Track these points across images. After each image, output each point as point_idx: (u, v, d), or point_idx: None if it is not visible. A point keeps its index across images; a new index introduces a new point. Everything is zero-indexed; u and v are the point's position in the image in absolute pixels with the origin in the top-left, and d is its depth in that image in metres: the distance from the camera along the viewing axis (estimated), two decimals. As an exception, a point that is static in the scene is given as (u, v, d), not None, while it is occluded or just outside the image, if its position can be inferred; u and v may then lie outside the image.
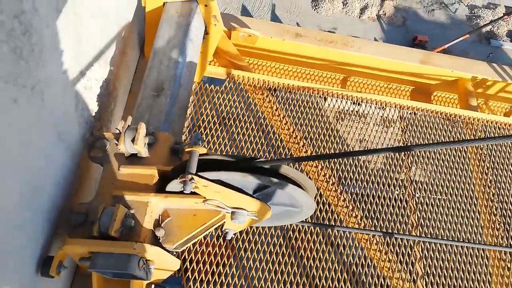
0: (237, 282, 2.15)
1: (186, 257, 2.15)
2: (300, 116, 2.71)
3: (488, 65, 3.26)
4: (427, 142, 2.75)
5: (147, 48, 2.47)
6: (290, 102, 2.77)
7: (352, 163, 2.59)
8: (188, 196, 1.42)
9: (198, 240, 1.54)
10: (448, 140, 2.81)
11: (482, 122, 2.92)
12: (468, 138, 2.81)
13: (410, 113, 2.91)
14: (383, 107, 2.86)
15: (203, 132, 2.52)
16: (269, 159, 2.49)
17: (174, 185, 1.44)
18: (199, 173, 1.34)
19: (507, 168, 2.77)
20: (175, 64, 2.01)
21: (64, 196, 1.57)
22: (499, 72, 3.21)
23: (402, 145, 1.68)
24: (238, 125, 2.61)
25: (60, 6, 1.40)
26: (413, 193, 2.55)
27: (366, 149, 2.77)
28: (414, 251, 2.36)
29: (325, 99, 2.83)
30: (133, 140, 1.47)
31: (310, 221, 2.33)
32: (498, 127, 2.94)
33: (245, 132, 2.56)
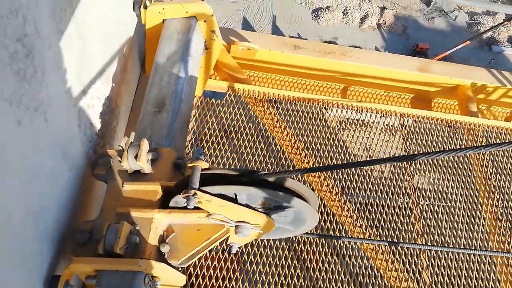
0: (243, 296, 2.14)
1: (192, 272, 2.15)
2: (301, 126, 2.73)
3: (487, 71, 3.28)
4: (428, 149, 2.75)
5: (147, 64, 2.50)
6: (291, 113, 2.78)
7: (354, 172, 2.59)
8: (191, 211, 1.42)
9: (203, 255, 1.54)
10: (449, 147, 2.81)
11: (483, 127, 2.93)
12: (470, 144, 2.81)
13: (411, 121, 2.92)
14: (384, 115, 2.87)
15: (205, 145, 2.53)
16: (271, 171, 2.49)
17: (177, 200, 1.45)
18: (201, 188, 1.34)
19: (510, 173, 2.76)
20: (175, 79, 2.03)
21: (69, 214, 1.58)
22: (499, 78, 3.23)
23: (404, 155, 1.70)
24: (240, 137, 2.62)
25: (62, 27, 1.43)
26: (417, 201, 2.54)
27: (368, 157, 2.77)
28: (421, 259, 2.34)
29: (326, 109, 2.85)
30: (136, 157, 1.48)
31: (315, 232, 2.33)
32: (500, 132, 2.94)
33: (247, 145, 2.57)
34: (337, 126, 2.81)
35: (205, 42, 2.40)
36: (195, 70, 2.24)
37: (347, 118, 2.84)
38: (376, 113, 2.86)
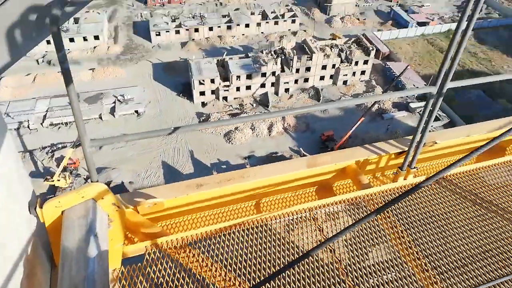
0: None
1: None
2: (227, 256, 2.82)
3: (364, 149, 3.84)
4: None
5: (55, 257, 2.49)
6: (213, 247, 2.88)
7: (289, 280, 2.67)
8: None
9: None
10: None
11: (379, 194, 3.32)
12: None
13: (320, 212, 3.20)
14: (296, 215, 3.12)
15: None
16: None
17: None
18: None
19: (415, 224, 3.09)
20: (85, 265, 2.07)
21: None
22: (374, 150, 3.79)
23: (317, 245, 1.88)
24: (173, 291, 2.60)
25: None
26: (353, 283, 2.66)
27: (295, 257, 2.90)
28: None
29: (244, 229, 3.01)
30: None
31: None
32: (393, 193, 3.35)
33: (180, 296, 2.55)
34: (260, 242, 2.96)
35: (108, 216, 2.51)
36: (104, 246, 2.30)
37: (264, 231, 3.02)
38: (288, 216, 3.11)
